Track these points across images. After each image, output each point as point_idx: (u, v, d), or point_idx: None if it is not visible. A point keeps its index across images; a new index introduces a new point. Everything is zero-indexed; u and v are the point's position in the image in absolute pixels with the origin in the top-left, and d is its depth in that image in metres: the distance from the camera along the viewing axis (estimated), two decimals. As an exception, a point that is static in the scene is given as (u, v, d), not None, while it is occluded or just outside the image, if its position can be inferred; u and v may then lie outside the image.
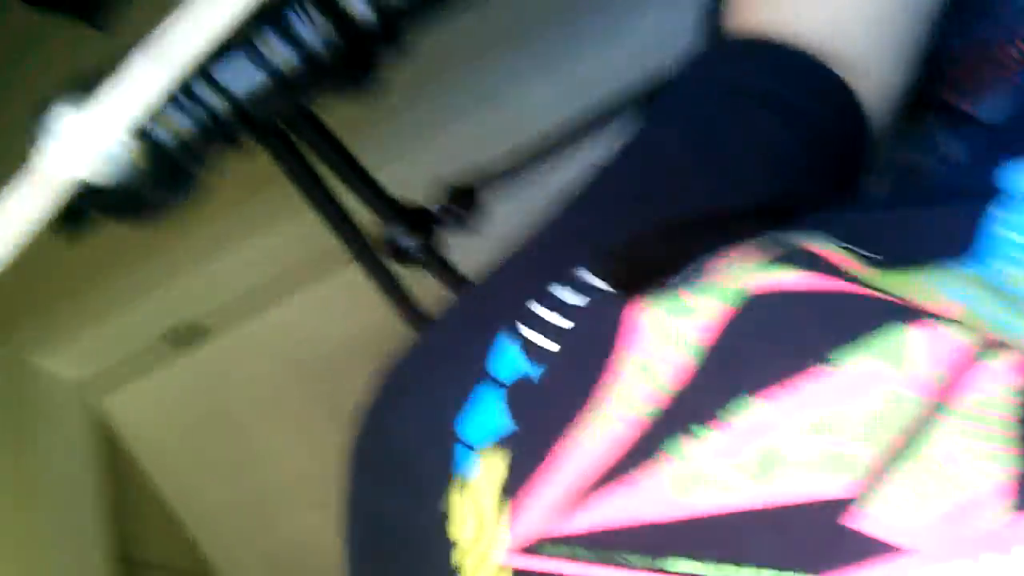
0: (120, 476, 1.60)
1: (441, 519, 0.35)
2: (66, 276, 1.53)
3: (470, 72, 1.36)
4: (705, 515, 0.30)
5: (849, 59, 0.47)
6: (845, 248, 0.38)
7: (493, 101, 1.38)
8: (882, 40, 0.48)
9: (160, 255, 1.49)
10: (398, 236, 0.80)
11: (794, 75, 0.48)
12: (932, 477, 0.29)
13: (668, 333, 0.34)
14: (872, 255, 0.38)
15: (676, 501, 0.31)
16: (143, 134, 0.54)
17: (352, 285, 1.57)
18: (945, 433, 0.29)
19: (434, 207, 0.83)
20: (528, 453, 0.35)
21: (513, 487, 0.34)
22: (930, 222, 0.39)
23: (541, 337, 0.37)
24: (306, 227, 1.40)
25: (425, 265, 0.84)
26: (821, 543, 0.29)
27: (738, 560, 0.29)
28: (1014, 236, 0.37)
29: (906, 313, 0.32)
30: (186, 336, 1.60)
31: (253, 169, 1.36)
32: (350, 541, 0.41)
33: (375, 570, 0.39)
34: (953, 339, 0.31)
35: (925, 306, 0.34)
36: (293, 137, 0.75)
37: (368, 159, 0.81)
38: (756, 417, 0.31)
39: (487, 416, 0.37)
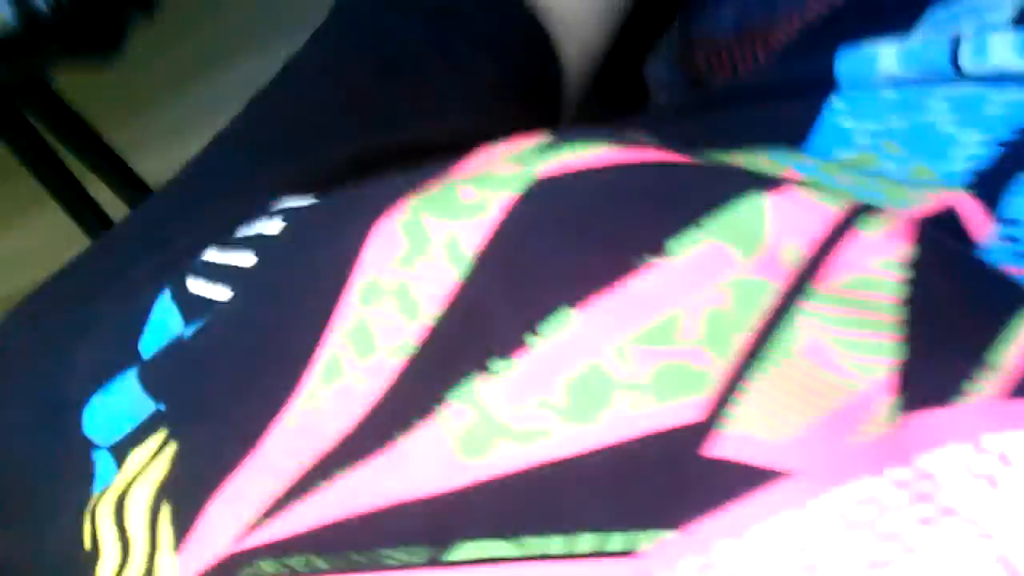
0: None
1: (78, 555, 0.26)
2: None
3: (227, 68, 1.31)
4: (502, 476, 0.23)
5: (557, 14, 0.44)
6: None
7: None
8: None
9: None
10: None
11: (498, 10, 0.44)
12: (798, 379, 0.23)
13: (434, 242, 0.27)
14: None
15: (461, 464, 0.23)
16: None
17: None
18: (809, 323, 0.24)
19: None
20: (196, 438, 0.26)
21: (177, 489, 0.26)
22: (761, 118, 0.35)
23: (207, 284, 0.29)
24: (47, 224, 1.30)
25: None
26: (668, 487, 0.22)
27: (548, 529, 0.22)
28: (847, 123, 0.34)
29: (754, 180, 0.26)
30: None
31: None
32: None
33: None
34: (816, 204, 0.25)
35: (773, 174, 0.28)
36: (31, 117, 0.67)
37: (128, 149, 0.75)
38: (568, 335, 0.24)
39: (123, 402, 0.28)
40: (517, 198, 0.26)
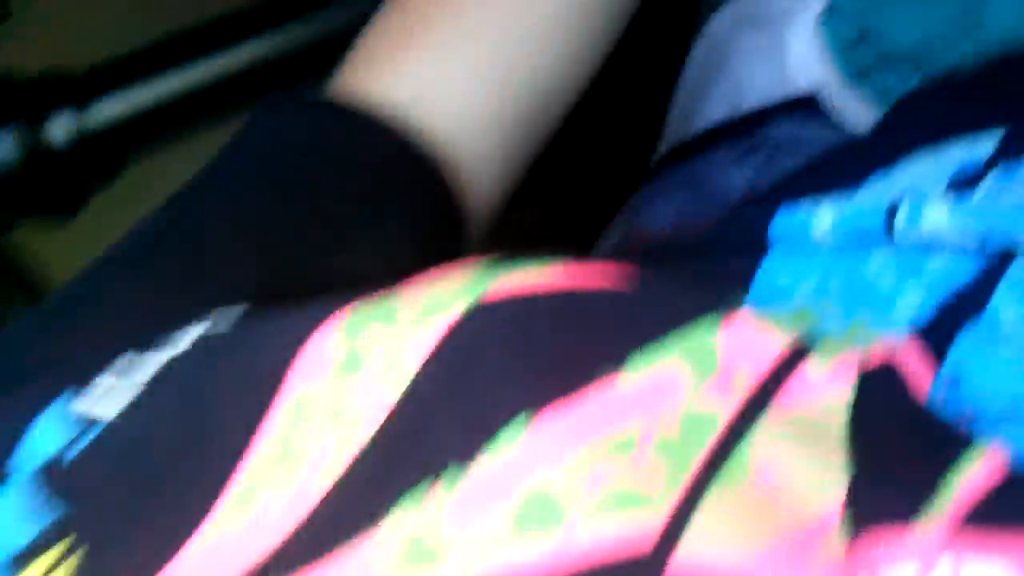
0: None
1: None
2: None
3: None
4: None
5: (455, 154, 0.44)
6: None
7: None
8: (491, 137, 0.45)
9: None
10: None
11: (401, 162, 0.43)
12: (752, 498, 0.23)
13: (369, 354, 0.26)
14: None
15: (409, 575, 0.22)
16: None
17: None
18: (762, 445, 0.24)
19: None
20: (97, 559, 0.25)
21: None
22: (699, 272, 0.36)
23: (104, 404, 0.28)
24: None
25: None
26: None
27: None
28: (783, 280, 0.35)
29: (708, 303, 0.27)
30: None
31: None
32: None
33: None
34: (765, 337, 0.26)
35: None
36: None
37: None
38: (523, 445, 0.24)
39: (9, 519, 0.27)
40: (461, 313, 0.26)
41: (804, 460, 0.24)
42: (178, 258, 0.38)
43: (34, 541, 0.25)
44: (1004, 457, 0.25)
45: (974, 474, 0.25)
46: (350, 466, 0.24)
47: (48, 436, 0.27)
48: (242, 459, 0.25)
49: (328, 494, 0.24)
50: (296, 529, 0.24)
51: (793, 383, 0.25)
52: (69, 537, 0.25)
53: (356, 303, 0.27)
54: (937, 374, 0.30)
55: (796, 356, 0.26)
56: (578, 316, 0.27)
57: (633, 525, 0.22)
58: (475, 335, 0.26)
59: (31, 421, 0.28)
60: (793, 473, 0.24)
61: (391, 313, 0.27)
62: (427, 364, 0.25)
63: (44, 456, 0.27)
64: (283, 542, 0.24)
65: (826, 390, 0.26)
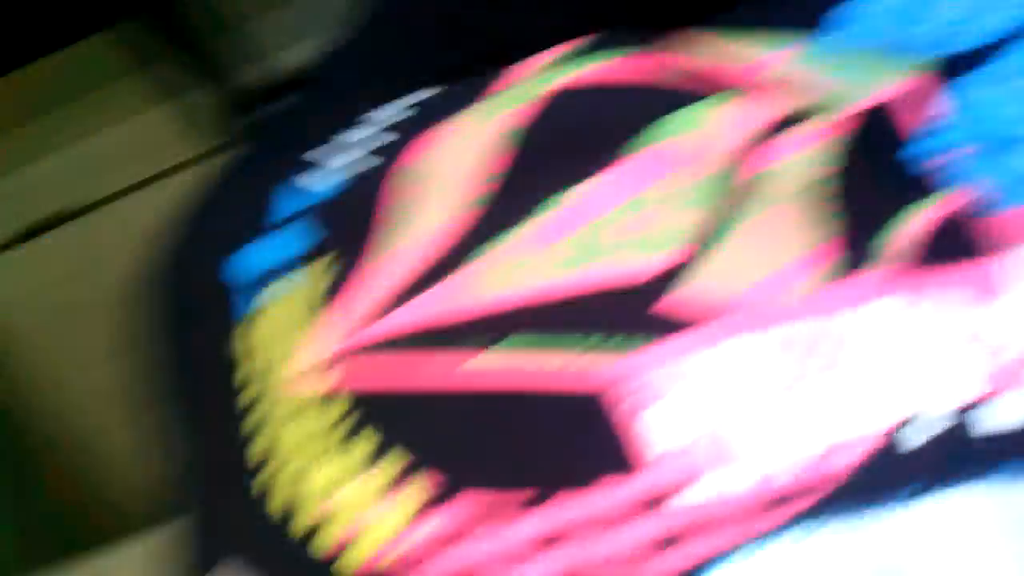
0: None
1: (226, 361, 0.35)
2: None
3: None
4: (512, 307, 0.31)
5: None
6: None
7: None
8: None
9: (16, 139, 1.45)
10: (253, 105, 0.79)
11: None
12: (742, 250, 0.29)
13: (481, 135, 0.34)
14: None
15: (487, 296, 0.32)
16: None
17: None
18: (752, 205, 0.30)
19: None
20: (338, 266, 0.35)
21: (325, 302, 0.34)
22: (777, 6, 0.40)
23: (343, 158, 0.38)
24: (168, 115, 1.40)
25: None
26: (625, 324, 0.29)
27: (539, 345, 0.30)
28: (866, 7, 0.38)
29: (714, 88, 0.33)
30: (41, 224, 1.57)
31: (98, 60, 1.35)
32: (140, 387, 0.41)
33: (165, 415, 0.39)
34: (758, 111, 0.32)
35: (742, 66, 0.35)
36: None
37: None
38: (565, 208, 0.32)
39: (268, 247, 0.37)
40: (537, 106, 0.34)
41: (784, 222, 0.29)
42: (392, 45, 0.47)
43: (307, 251, 0.36)
44: (965, 200, 0.30)
45: (924, 218, 0.30)
46: (469, 215, 0.34)
47: (295, 196, 0.38)
48: (413, 197, 0.35)
49: (461, 229, 0.33)
50: (442, 252, 0.33)
51: (776, 146, 0.31)
52: (295, 267, 0.36)
53: (490, 92, 0.36)
54: (942, 108, 0.33)
55: (784, 123, 0.32)
56: (609, 104, 0.34)
57: (645, 260, 0.30)
58: (544, 120, 0.34)
59: (295, 174, 0.38)
60: (775, 231, 0.29)
61: (497, 108, 0.35)
62: (525, 135, 0.34)
63: (312, 200, 0.37)
64: (426, 265, 0.33)
65: (803, 150, 0.31)
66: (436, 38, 0.47)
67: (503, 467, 0.29)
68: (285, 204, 0.37)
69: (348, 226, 0.35)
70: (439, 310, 0.32)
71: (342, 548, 0.29)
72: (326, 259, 0.35)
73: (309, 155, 0.39)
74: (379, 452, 0.30)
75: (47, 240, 1.54)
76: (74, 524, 1.59)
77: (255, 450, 0.32)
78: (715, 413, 0.27)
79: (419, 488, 0.29)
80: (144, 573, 1.10)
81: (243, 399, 0.33)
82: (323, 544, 0.29)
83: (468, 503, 0.29)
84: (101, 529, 1.65)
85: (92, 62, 1.37)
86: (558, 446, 0.29)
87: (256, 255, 0.36)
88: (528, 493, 0.29)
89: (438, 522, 0.29)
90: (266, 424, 0.32)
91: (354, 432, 0.30)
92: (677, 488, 0.27)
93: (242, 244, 0.37)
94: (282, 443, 0.32)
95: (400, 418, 0.31)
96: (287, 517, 0.30)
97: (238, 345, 0.35)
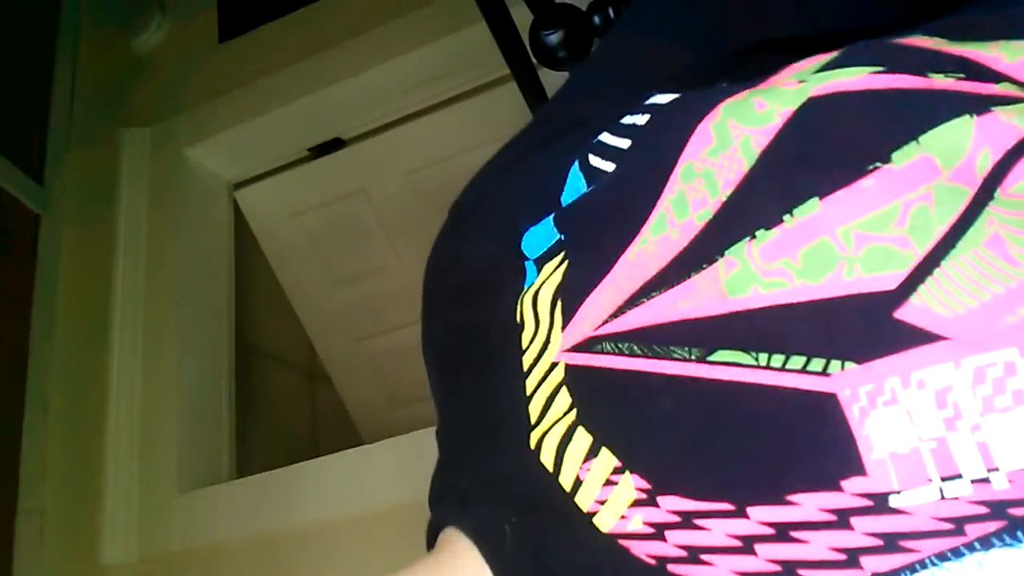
0: (249, 269, 1.72)
1: (512, 326, 0.38)
2: (223, 76, 1.62)
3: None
4: (750, 310, 0.32)
5: None
6: (938, 36, 0.37)
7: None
8: None
9: (311, 65, 1.56)
10: (544, 32, 0.83)
11: None
12: (976, 267, 0.29)
13: (733, 141, 0.35)
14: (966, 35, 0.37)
15: (727, 299, 0.32)
16: None
17: (492, 112, 1.64)
18: (992, 221, 0.29)
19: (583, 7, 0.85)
20: (579, 260, 0.37)
21: (566, 291, 0.37)
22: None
23: (600, 160, 0.39)
24: (456, 47, 1.45)
25: (568, 66, 0.86)
26: (862, 333, 0.30)
27: (774, 348, 0.31)
28: None
29: (966, 102, 0.32)
30: (325, 146, 1.68)
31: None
32: (436, 348, 0.44)
33: (458, 375, 0.42)
34: (1010, 125, 0.31)
35: (995, 68, 0.34)
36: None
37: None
38: (811, 218, 0.32)
39: (544, 232, 0.39)
40: (793, 111, 0.34)
41: (1022, 237, 0.29)
42: (668, 37, 0.48)
43: (548, 249, 0.39)
44: None
45: None
46: (708, 221, 0.34)
47: (576, 180, 0.40)
48: (656, 203, 0.35)
49: (691, 240, 0.34)
50: (670, 261, 0.34)
51: (1020, 166, 0.30)
52: (562, 253, 0.38)
53: (731, 99, 0.35)
54: None
55: None
56: (870, 115, 0.33)
57: (886, 273, 0.30)
58: (799, 127, 0.34)
59: (569, 168, 0.40)
60: (1014, 247, 0.28)
61: (750, 106, 0.35)
62: (764, 151, 0.34)
63: (575, 194, 0.39)
64: (663, 267, 0.34)
65: None
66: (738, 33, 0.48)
67: (705, 477, 0.31)
68: (573, 184, 0.40)
69: (584, 232, 0.38)
70: (663, 315, 0.34)
71: (595, 510, 0.33)
72: (563, 256, 0.38)
73: (600, 130, 0.41)
74: (592, 451, 0.34)
75: (322, 163, 1.66)
76: (288, 437, 1.73)
77: (533, 408, 0.36)
78: (942, 422, 0.28)
79: (626, 488, 0.33)
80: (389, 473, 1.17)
81: (527, 359, 0.37)
82: (584, 500, 0.34)
83: (669, 509, 0.32)
84: (316, 444, 1.78)
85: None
86: (789, 443, 0.30)
87: (542, 232, 0.40)
88: (727, 504, 0.31)
89: (650, 515, 0.32)
90: (542, 387, 0.36)
91: (575, 425, 0.34)
92: (901, 489, 0.28)
93: (538, 218, 0.40)
94: (552, 409, 0.35)
95: (610, 420, 0.34)
96: (557, 470, 0.34)
97: (526, 310, 0.38)
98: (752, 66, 0.41)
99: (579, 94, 0.49)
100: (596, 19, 0.87)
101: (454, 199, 0.46)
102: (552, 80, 0.86)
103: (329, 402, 1.87)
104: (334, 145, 1.68)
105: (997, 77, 0.34)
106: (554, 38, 0.82)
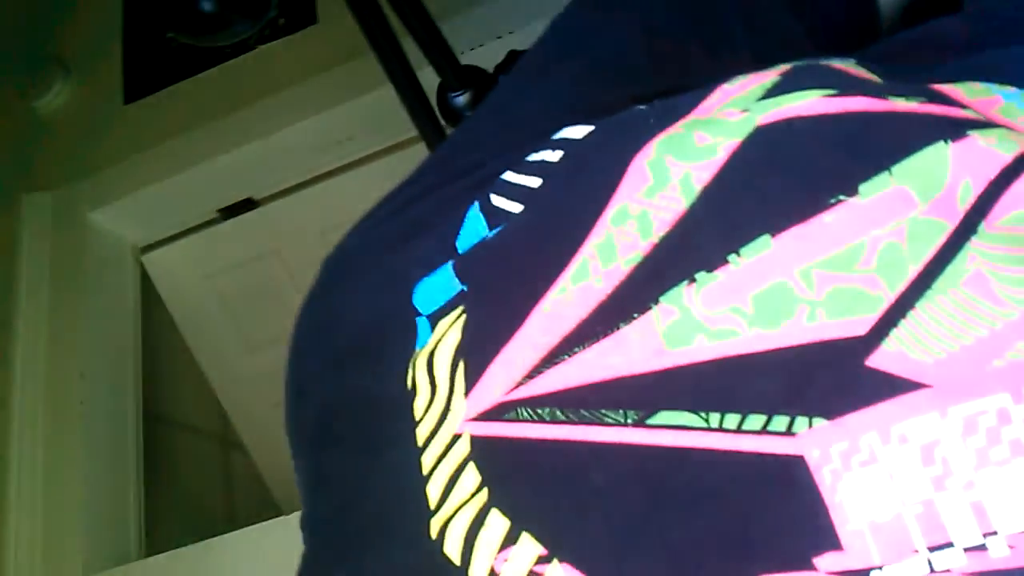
0: (158, 335, 1.66)
1: (402, 394, 0.33)
2: (129, 137, 1.58)
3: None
4: (696, 364, 0.28)
5: None
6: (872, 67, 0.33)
7: None
8: None
9: (219, 126, 1.53)
10: (452, 93, 0.83)
11: None
12: (956, 308, 0.26)
13: (671, 178, 0.31)
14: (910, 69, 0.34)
15: (667, 352, 0.29)
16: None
17: (403, 172, 1.62)
18: (974, 258, 0.26)
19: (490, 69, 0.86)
20: (483, 314, 0.33)
21: (469, 350, 0.32)
22: (998, 56, 0.37)
23: (504, 200, 0.35)
24: (366, 108, 1.44)
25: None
26: (829, 385, 0.26)
27: (727, 408, 0.27)
28: None
29: (941, 126, 0.29)
30: (236, 207, 1.65)
31: (314, 48, 1.40)
32: (307, 421, 0.38)
33: (336, 453, 0.36)
34: (991, 151, 0.28)
35: (958, 98, 0.31)
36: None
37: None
38: (763, 257, 0.28)
39: (441, 283, 0.35)
40: (739, 143, 0.31)
41: (1010, 276, 0.26)
42: (577, 67, 0.44)
43: (446, 303, 0.34)
44: None
45: None
46: (636, 265, 0.30)
47: (476, 223, 0.35)
48: (578, 250, 0.31)
49: (617, 287, 0.30)
50: (593, 310, 0.30)
51: (1007, 197, 0.27)
52: (462, 306, 0.33)
53: (666, 133, 0.32)
54: None
55: (1019, 165, 0.27)
56: (829, 142, 0.30)
57: (853, 317, 0.27)
58: (746, 159, 0.30)
59: (467, 210, 0.36)
60: (999, 286, 0.26)
61: (689, 140, 0.31)
62: (706, 187, 0.30)
63: (474, 239, 0.35)
64: (585, 318, 0.30)
65: None
66: (628, 67, 0.45)
67: (650, 564, 0.27)
68: (472, 227, 0.36)
69: (488, 280, 0.34)
70: (589, 374, 0.29)
71: None
72: (461, 310, 0.34)
73: (502, 170, 0.36)
74: (510, 537, 0.29)
75: (233, 224, 1.63)
76: (201, 510, 1.66)
77: (431, 489, 0.31)
78: (930, 482, 0.24)
79: (524, 551, 0.29)
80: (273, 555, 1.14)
81: (421, 431, 0.32)
82: None
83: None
84: (231, 516, 1.72)
85: (294, 56, 1.43)
86: (751, 518, 0.26)
87: (439, 282, 0.35)
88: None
89: None
90: (442, 464, 0.31)
91: (487, 509, 0.30)
92: (883, 564, 0.24)
93: (433, 267, 0.35)
94: (456, 490, 0.31)
95: (530, 500, 0.29)
96: (466, 563, 0.30)
97: (419, 374, 0.33)
98: (668, 80, 0.38)
99: (476, 135, 0.45)
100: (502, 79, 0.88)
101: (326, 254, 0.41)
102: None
103: (244, 471, 1.81)
104: (245, 206, 1.65)
105: (961, 105, 0.31)
106: (461, 99, 0.82)
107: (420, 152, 1.53)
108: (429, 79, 0.88)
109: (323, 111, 1.49)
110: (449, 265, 0.35)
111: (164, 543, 1.39)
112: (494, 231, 0.34)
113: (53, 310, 1.48)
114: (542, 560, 0.28)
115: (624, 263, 0.31)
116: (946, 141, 0.28)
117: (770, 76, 0.33)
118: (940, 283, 0.26)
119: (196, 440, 1.74)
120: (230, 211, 1.65)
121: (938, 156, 0.28)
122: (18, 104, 1.66)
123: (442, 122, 0.87)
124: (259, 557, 1.20)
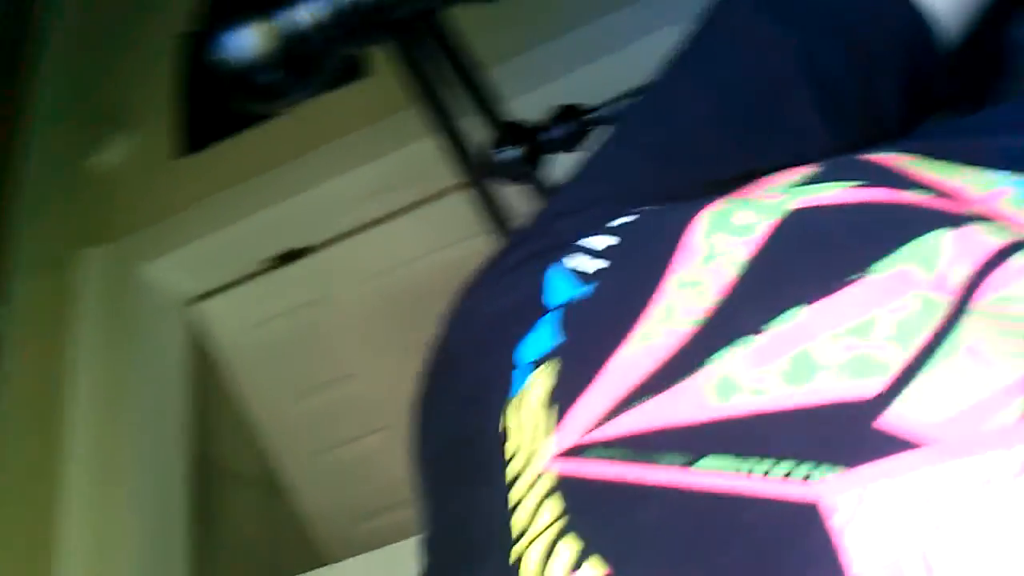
0: (206, 383, 1.69)
1: (496, 437, 0.38)
2: (181, 192, 1.62)
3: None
4: (738, 417, 0.32)
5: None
6: (906, 153, 0.38)
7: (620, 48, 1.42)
8: None
9: (269, 177, 1.56)
10: (499, 150, 0.84)
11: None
12: (955, 375, 0.29)
13: (721, 251, 0.36)
14: (936, 156, 0.39)
15: (712, 405, 0.33)
16: (280, 14, 0.59)
17: (448, 218, 1.65)
18: (968, 331, 0.30)
19: (538, 123, 0.87)
20: (573, 364, 0.37)
21: (558, 396, 0.37)
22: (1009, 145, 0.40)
23: (588, 260, 0.40)
24: (411, 158, 1.47)
25: (520, 180, 0.87)
26: (844, 439, 0.30)
27: (760, 454, 0.31)
28: None
29: (943, 218, 0.33)
30: (286, 255, 1.68)
31: (361, 101, 1.43)
32: (431, 455, 0.44)
33: (447, 487, 0.42)
34: (983, 239, 0.32)
35: (966, 196, 0.35)
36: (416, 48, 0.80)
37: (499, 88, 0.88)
38: (794, 325, 0.33)
39: (541, 338, 0.40)
40: (777, 223, 0.36)
41: (997, 349, 0.29)
42: (658, 148, 0.51)
43: (546, 354, 0.39)
44: None
45: None
46: (700, 320, 0.35)
47: (562, 284, 0.41)
48: (644, 312, 0.37)
49: (680, 345, 0.35)
50: (661, 366, 0.35)
51: (996, 275, 0.31)
52: (558, 356, 0.38)
53: (713, 208, 0.37)
54: None
55: (1006, 252, 0.32)
56: (850, 227, 0.35)
57: (868, 379, 0.30)
58: (782, 239, 0.35)
59: (546, 271, 0.42)
60: (988, 358, 0.29)
61: (733, 221, 0.37)
62: (752, 256, 0.36)
63: (565, 295, 0.40)
64: (653, 372, 0.35)
65: (1021, 279, 0.31)
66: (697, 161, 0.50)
67: None
68: (555, 287, 0.41)
69: (586, 332, 0.39)
70: (650, 421, 0.34)
71: None
72: (556, 361, 0.38)
73: (579, 238, 0.42)
74: (578, 561, 0.32)
75: (282, 273, 1.66)
76: (249, 557, 1.67)
77: (515, 521, 0.35)
78: (926, 533, 0.27)
79: (593, 572, 0.32)
80: None
81: (510, 470, 0.37)
82: None
83: None
84: (276, 565, 1.72)
85: (342, 109, 1.46)
86: (773, 556, 0.29)
87: (540, 336, 0.40)
88: None
89: None
90: (527, 498, 0.35)
91: (564, 533, 0.33)
92: None
93: (528, 327, 0.40)
94: (536, 521, 0.34)
95: (602, 528, 0.33)
96: None
97: (511, 419, 0.38)
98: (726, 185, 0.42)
99: (576, 201, 0.51)
100: (543, 136, 0.89)
101: (447, 302, 0.47)
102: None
103: (290, 518, 1.82)
104: (293, 254, 1.68)
105: (968, 202, 0.36)
106: (508, 155, 0.83)
107: (460, 199, 1.55)
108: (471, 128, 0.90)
109: (368, 163, 1.52)
110: (547, 320, 0.40)
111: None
112: (590, 286, 0.40)
113: (106, 362, 1.51)
114: None
115: (683, 325, 0.35)
116: (947, 229, 0.33)
117: (811, 168, 0.38)
118: (943, 351, 0.30)
119: (245, 488, 1.75)
120: (279, 260, 1.68)
121: (938, 241, 0.33)
122: (75, 162, 1.71)
123: (480, 173, 0.88)
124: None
